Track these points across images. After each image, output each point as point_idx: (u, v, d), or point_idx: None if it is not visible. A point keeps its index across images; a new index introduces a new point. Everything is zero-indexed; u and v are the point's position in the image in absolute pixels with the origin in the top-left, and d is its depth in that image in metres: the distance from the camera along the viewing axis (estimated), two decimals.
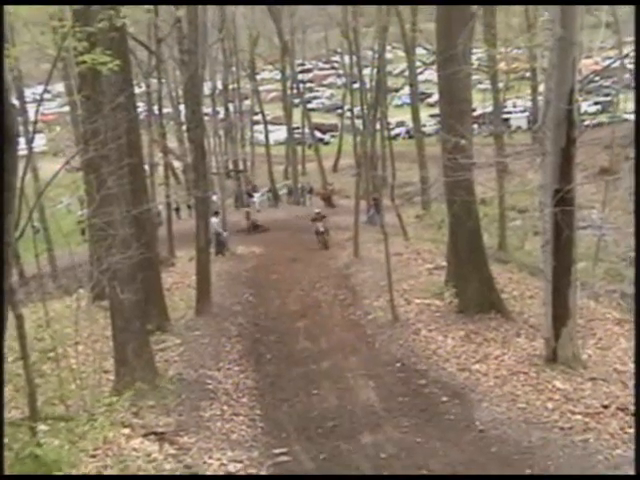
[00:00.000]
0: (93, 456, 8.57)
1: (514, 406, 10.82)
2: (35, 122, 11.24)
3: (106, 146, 10.40)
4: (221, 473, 8.81)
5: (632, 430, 9.62)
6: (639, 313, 9.88)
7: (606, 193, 24.54)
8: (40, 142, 22.78)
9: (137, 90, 23.12)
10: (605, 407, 10.41)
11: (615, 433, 9.62)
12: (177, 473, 8.38)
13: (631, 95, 44.10)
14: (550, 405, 10.66)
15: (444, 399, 11.51)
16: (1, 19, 4.01)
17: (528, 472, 8.83)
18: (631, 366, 12.12)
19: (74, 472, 7.39)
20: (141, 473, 8.21)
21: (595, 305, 16.31)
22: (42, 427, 7.33)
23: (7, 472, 6.38)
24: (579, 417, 10.14)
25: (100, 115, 10.43)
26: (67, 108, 32.34)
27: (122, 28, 11.65)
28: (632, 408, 10.23)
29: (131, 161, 12.56)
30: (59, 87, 44.32)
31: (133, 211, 12.11)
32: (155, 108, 30.11)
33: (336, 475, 7.78)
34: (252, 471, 9.04)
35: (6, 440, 6.47)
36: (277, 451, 9.79)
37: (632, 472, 8.38)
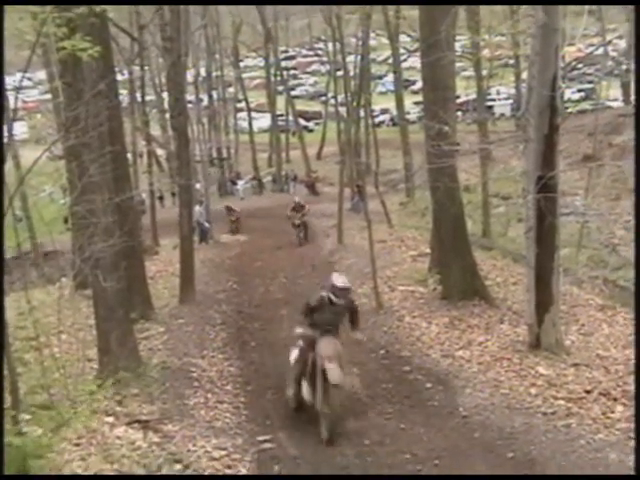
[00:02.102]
0: (77, 444, 8.55)
1: (497, 392, 10.88)
2: (15, 109, 11.16)
3: (87, 134, 10.30)
4: (205, 460, 8.81)
5: (614, 415, 9.71)
6: (639, 306, 9.92)
7: (589, 180, 24.58)
8: (21, 130, 22.65)
9: (119, 77, 23.02)
10: (588, 392, 10.47)
11: (597, 418, 9.68)
12: (161, 460, 8.38)
13: (614, 83, 44.38)
14: (533, 391, 10.71)
15: (428, 385, 11.56)
16: (1, 19, 3.95)
17: (510, 456, 8.89)
18: (613, 352, 12.23)
19: (58, 459, 7.37)
20: (125, 461, 8.20)
21: (578, 291, 16.38)
22: (24, 416, 7.29)
23: None
24: (562, 402, 10.20)
25: (81, 102, 10.32)
26: (49, 96, 32.11)
27: (103, 14, 11.53)
28: (614, 394, 10.33)
29: (113, 149, 12.46)
30: (41, 75, 44.00)
31: (116, 199, 12.02)
32: (138, 95, 29.97)
33: (336, 475, 7.80)
34: (236, 457, 9.06)
35: None
36: (261, 438, 9.79)
37: (613, 455, 8.51)
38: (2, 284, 3.51)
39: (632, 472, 7.79)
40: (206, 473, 8.46)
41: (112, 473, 7.78)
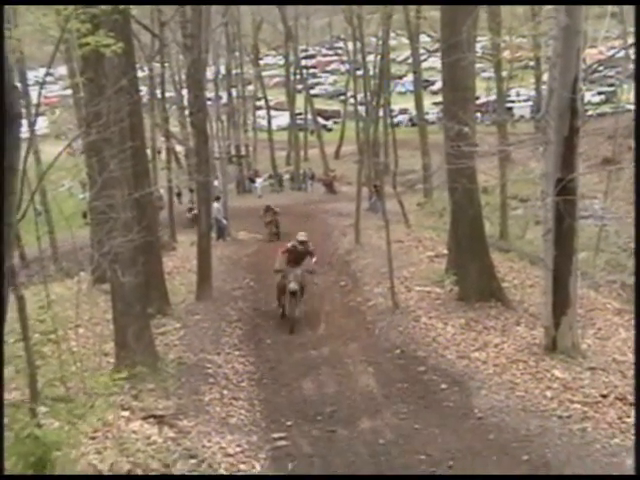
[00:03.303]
0: (93, 438, 8.61)
1: (513, 394, 10.85)
2: (38, 105, 11.21)
3: (108, 129, 10.36)
4: (220, 456, 8.85)
5: (630, 420, 9.66)
6: (639, 306, 9.87)
7: (608, 183, 24.51)
8: (42, 125, 22.77)
9: (140, 74, 23.11)
10: (604, 396, 10.44)
11: (613, 422, 9.65)
12: (176, 455, 8.42)
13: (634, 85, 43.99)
14: (549, 394, 10.69)
15: (443, 386, 11.55)
16: (1, 19, 3.99)
17: (525, 459, 8.87)
18: (630, 356, 12.16)
19: (74, 453, 7.42)
20: (140, 455, 8.24)
21: (595, 295, 16.33)
22: (42, 408, 7.34)
23: (7, 453, 6.42)
24: (577, 406, 10.17)
25: (103, 98, 10.39)
26: (69, 91, 32.27)
27: (125, 11, 11.61)
28: (630, 399, 10.28)
29: (133, 144, 12.54)
30: (62, 70, 44.21)
31: (135, 194, 12.09)
32: (158, 92, 30.07)
33: (336, 475, 7.81)
34: (251, 454, 9.09)
35: (6, 421, 6.50)
36: (276, 435, 9.83)
37: (629, 461, 8.46)
38: (2, 274, 3.54)
39: None
40: (221, 469, 8.49)
41: (127, 466, 7.83)
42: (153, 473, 7.80)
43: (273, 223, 29.36)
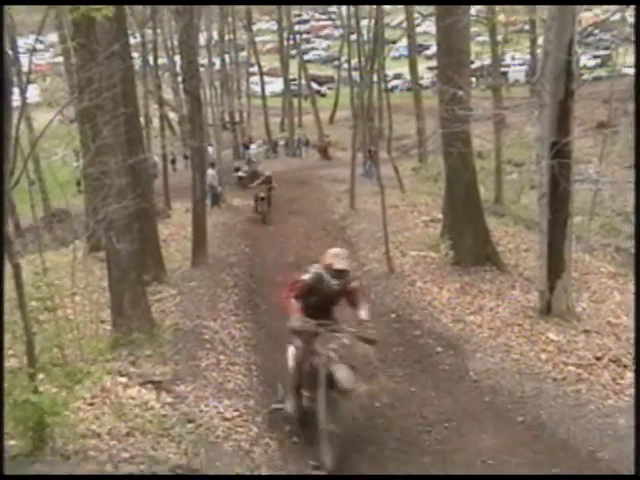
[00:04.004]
0: (91, 404, 8.66)
1: (508, 357, 10.92)
2: (29, 72, 11.15)
3: (101, 95, 10.30)
4: (217, 420, 8.92)
5: (623, 381, 9.75)
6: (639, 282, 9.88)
7: (603, 147, 24.47)
8: (34, 93, 22.63)
9: (132, 41, 22.92)
10: (598, 359, 10.51)
11: (607, 384, 9.73)
12: (174, 420, 8.48)
13: (630, 49, 43.84)
14: (543, 356, 10.76)
15: (439, 350, 11.62)
16: (1, 19, 3.95)
17: (520, 420, 8.96)
18: (624, 319, 12.24)
19: (72, 418, 7.47)
20: (138, 420, 8.29)
21: (590, 259, 16.38)
22: (40, 375, 7.38)
23: (6, 417, 6.47)
24: (572, 368, 10.25)
25: (94, 63, 10.31)
26: (60, 59, 32.00)
27: None
28: (624, 360, 10.36)
29: (126, 111, 12.45)
30: (52, 37, 43.82)
31: (129, 161, 12.04)
32: (150, 59, 29.84)
33: (336, 475, 7.86)
34: (248, 418, 9.16)
35: (6, 385, 6.55)
36: (273, 400, 9.89)
37: (622, 421, 8.56)
38: (2, 244, 3.54)
39: None
40: (218, 432, 8.55)
41: (125, 430, 7.89)
42: (150, 437, 7.85)
43: (265, 201, 25.07)
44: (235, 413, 9.27)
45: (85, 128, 11.90)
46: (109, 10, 8.60)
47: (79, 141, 16.70)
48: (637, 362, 9.04)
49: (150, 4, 25.80)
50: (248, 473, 7.71)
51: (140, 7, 28.17)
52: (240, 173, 33.05)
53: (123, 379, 9.75)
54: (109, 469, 6.77)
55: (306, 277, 8.36)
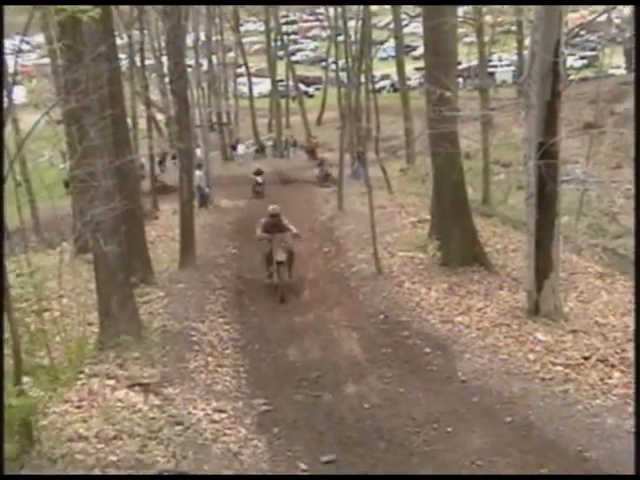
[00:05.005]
0: (79, 407, 8.64)
1: (496, 357, 10.95)
2: (14, 73, 11.05)
3: (87, 97, 10.26)
4: (205, 422, 8.90)
5: (611, 381, 9.79)
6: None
7: (590, 148, 24.52)
8: (20, 95, 22.50)
9: (119, 42, 22.83)
10: (585, 359, 10.54)
11: (595, 384, 9.76)
12: (162, 422, 8.45)
13: (617, 49, 44.06)
14: (531, 356, 10.78)
15: (427, 350, 11.63)
16: (1, 19, 3.92)
17: (509, 420, 8.98)
18: (612, 319, 12.28)
19: (60, 420, 7.45)
20: (126, 423, 8.27)
21: (577, 259, 16.41)
22: (26, 378, 7.34)
23: None
24: (560, 368, 10.28)
25: (81, 65, 10.26)
26: (47, 60, 31.88)
27: None
28: (612, 360, 10.40)
29: (113, 112, 12.40)
30: (38, 38, 43.59)
31: (116, 163, 11.99)
32: (137, 60, 29.74)
33: (336, 475, 7.87)
34: (236, 420, 9.14)
35: None
36: (261, 401, 9.88)
37: (610, 420, 8.59)
38: (2, 247, 3.51)
39: (629, 435, 7.91)
40: (207, 434, 8.53)
41: (113, 433, 7.86)
42: (138, 440, 7.83)
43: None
44: (223, 415, 9.26)
45: (72, 130, 11.85)
46: (95, 11, 8.55)
47: (66, 143, 16.62)
48: (637, 362, 9.09)
49: (140, 4, 25.68)
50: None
51: (127, 8, 28.09)
52: (258, 178, 32.22)
53: (111, 382, 9.73)
54: (96, 473, 6.74)
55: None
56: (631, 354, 10.39)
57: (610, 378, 9.88)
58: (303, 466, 7.92)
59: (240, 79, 60.82)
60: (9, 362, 7.41)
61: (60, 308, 11.73)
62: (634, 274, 12.45)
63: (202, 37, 43.88)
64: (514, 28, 43.81)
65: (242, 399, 10.05)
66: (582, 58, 53.00)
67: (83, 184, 11.21)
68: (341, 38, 36.26)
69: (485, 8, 26.97)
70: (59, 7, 8.81)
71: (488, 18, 31.43)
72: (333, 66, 48.31)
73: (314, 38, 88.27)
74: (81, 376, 9.58)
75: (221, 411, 9.35)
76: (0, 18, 3.74)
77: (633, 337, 9.08)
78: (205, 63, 46.32)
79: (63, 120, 17.60)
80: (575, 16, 35.88)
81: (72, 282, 13.42)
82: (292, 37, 78.43)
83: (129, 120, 20.79)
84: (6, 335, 7.37)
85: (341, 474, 7.86)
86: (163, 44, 33.66)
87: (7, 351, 7.44)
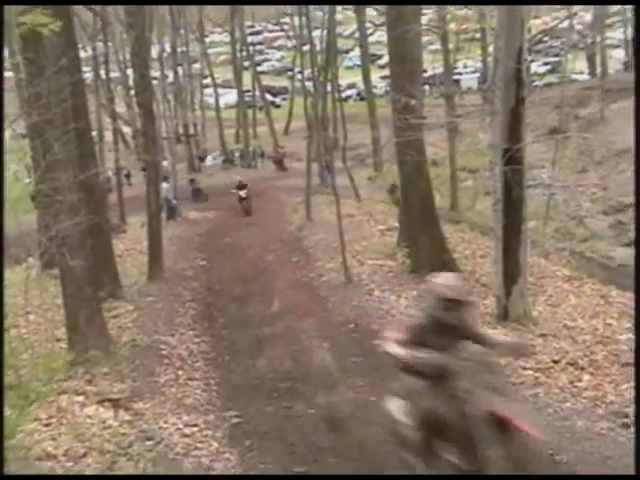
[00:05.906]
0: (47, 425, 8.52)
1: None
2: None
3: (50, 110, 10.18)
4: (176, 436, 8.81)
5: (581, 384, 9.84)
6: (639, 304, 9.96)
7: (555, 152, 24.77)
8: None
9: (83, 54, 22.69)
10: (555, 362, 10.58)
11: (564, 387, 9.79)
12: (132, 438, 8.36)
13: (580, 55, 44.65)
14: (502, 361, 10.79)
15: None
16: (1, 19, 3.86)
17: None
18: (580, 322, 12.36)
19: (28, 439, 7.34)
20: (96, 440, 8.17)
21: (545, 263, 16.53)
22: None
23: None
24: (530, 372, 10.30)
25: (43, 78, 10.18)
26: (10, 73, 31.59)
27: None
28: (581, 363, 10.45)
29: (77, 125, 12.33)
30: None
31: (81, 176, 11.89)
32: (102, 72, 29.57)
33: (335, 475, 7.82)
34: (208, 433, 9.06)
35: None
36: (233, 414, 9.81)
37: (580, 423, 8.63)
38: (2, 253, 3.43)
39: (600, 438, 7.95)
40: (178, 449, 8.45)
41: (83, 451, 7.76)
42: (108, 456, 7.74)
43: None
44: (195, 429, 9.18)
45: (36, 144, 11.73)
46: (56, 24, 8.47)
47: (30, 157, 16.44)
48: (637, 362, 9.13)
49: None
50: None
51: (90, 20, 27.93)
52: (242, 193, 29.91)
53: (80, 398, 9.62)
54: None
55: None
56: (600, 356, 10.47)
57: (580, 381, 9.92)
58: None
59: (206, 90, 60.78)
60: None
61: (27, 324, 11.58)
62: (634, 282, 12.50)
63: (167, 48, 43.85)
64: (478, 35, 44.21)
65: (213, 412, 9.97)
66: (546, 64, 53.58)
67: (48, 198, 11.11)
68: (307, 48, 36.32)
69: (449, 15, 27.16)
70: (20, 21, 8.71)
71: (452, 26, 31.66)
72: (299, 76, 48.43)
73: (280, 48, 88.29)
74: (50, 393, 9.45)
75: (192, 425, 9.27)
76: (0, 18, 3.70)
77: (634, 338, 9.11)
78: (171, 74, 46.21)
79: (27, 134, 17.44)
80: (538, 22, 36.27)
81: (39, 298, 13.27)
82: (258, 47, 78.60)
83: (95, 133, 20.70)
84: None
85: (341, 474, 7.81)
86: (128, 56, 33.44)
87: None
